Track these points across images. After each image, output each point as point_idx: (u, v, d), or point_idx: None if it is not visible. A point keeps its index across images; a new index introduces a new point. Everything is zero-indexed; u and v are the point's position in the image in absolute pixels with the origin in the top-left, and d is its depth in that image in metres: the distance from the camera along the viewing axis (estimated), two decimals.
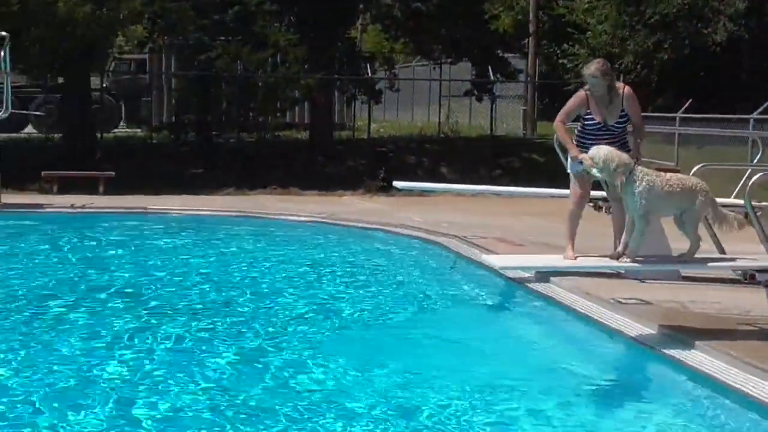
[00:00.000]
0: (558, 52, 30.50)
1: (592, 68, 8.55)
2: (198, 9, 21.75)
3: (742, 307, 8.15)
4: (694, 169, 10.03)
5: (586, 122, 8.70)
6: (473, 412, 6.06)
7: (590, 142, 8.48)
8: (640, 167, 7.73)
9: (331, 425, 5.75)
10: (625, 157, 7.73)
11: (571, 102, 8.78)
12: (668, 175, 7.81)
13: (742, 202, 9.41)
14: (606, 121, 8.58)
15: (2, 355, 7.15)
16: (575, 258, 8.23)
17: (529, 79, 30.84)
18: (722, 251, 9.27)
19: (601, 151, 7.74)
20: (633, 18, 26.64)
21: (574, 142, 8.70)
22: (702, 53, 25.11)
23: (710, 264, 8.46)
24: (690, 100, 19.75)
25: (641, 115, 8.91)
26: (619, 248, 7.88)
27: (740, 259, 8.50)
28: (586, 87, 8.66)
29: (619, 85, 8.72)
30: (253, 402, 6.17)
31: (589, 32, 28.20)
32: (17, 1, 18.77)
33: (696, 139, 19.07)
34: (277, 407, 6.04)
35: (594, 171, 7.75)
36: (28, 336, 7.78)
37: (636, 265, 7.92)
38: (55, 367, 6.84)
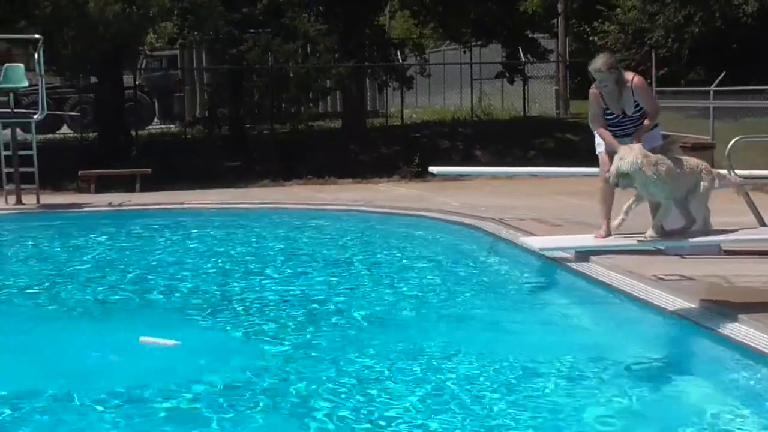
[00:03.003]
0: (588, 30, 30.32)
1: (598, 63, 8.41)
2: (227, 3, 21.83)
3: None
4: (731, 142, 9.97)
5: (607, 117, 8.64)
6: (525, 385, 6.21)
7: (619, 133, 8.52)
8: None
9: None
10: (635, 151, 7.43)
11: (590, 104, 8.73)
12: (667, 159, 7.57)
13: None
14: (624, 111, 8.54)
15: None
16: (605, 236, 8.21)
17: (560, 58, 30.69)
18: (763, 223, 9.22)
19: (621, 164, 7.39)
20: None
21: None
22: (733, 25, 24.87)
23: (752, 237, 8.41)
24: (723, 73, 19.59)
25: (655, 102, 8.78)
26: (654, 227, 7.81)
27: None
28: (596, 83, 8.55)
29: (629, 76, 8.55)
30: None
31: (618, 8, 28.00)
32: (49, 3, 18.92)
33: (731, 112, 18.93)
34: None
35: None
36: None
37: (668, 242, 7.84)
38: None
